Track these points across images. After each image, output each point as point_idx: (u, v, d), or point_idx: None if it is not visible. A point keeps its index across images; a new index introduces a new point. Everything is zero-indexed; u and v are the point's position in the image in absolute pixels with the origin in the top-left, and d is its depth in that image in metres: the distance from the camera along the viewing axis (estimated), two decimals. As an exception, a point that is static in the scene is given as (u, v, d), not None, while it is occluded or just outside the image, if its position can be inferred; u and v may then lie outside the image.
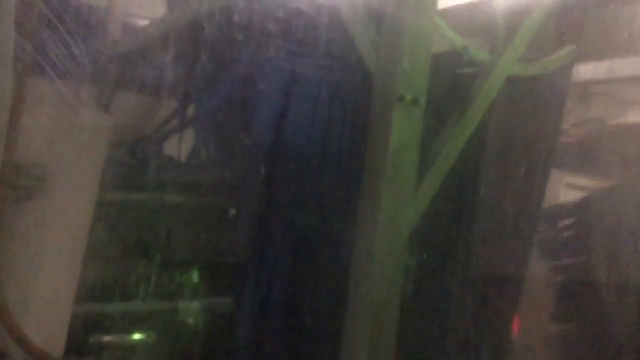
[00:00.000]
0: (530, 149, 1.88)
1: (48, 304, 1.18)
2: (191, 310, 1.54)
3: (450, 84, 1.70)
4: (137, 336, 1.44)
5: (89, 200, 1.22)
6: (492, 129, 1.78)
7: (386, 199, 1.55)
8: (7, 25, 1.08)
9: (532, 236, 2.00)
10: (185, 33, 1.60)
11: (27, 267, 1.16)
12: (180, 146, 1.64)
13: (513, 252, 1.97)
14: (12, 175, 1.13)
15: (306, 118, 1.60)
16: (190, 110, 1.69)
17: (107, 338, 1.36)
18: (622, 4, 1.96)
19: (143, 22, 1.74)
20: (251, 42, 1.54)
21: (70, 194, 1.19)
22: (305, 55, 1.59)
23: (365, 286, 1.58)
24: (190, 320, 1.54)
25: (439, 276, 1.89)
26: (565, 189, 2.42)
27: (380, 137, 1.56)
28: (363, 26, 1.62)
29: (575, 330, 2.10)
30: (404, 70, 1.54)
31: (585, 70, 2.24)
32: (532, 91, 1.87)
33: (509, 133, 1.87)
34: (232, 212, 1.57)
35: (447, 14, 1.71)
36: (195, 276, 1.54)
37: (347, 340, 1.60)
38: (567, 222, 2.28)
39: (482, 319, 1.91)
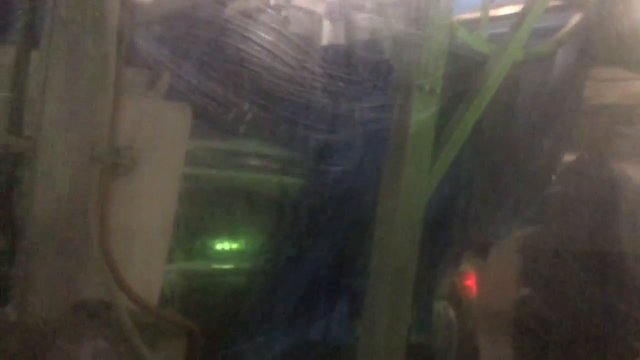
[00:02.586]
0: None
1: (145, 260, 1.41)
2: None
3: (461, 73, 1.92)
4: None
5: (175, 176, 1.45)
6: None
7: (406, 175, 1.77)
8: (112, 24, 1.29)
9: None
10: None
11: (126, 233, 1.38)
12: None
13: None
14: (113, 156, 1.35)
15: None
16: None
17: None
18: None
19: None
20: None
21: (158, 172, 1.42)
22: None
23: (387, 252, 1.81)
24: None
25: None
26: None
27: (402, 122, 1.79)
28: (387, 27, 1.85)
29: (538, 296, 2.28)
30: (422, 64, 1.78)
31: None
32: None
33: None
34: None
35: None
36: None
37: (370, 298, 1.82)
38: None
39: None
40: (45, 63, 1.32)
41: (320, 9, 1.93)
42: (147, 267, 1.42)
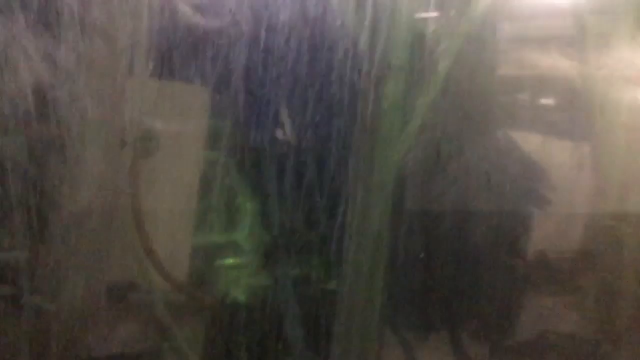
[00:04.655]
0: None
1: (172, 241, 1.43)
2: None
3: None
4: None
5: (197, 158, 1.47)
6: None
7: (378, 146, 1.90)
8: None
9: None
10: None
11: (153, 215, 1.39)
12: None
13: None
14: (141, 140, 1.36)
15: None
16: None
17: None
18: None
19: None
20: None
21: (179, 154, 1.44)
22: None
23: (361, 217, 1.92)
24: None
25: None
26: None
27: (374, 96, 1.90)
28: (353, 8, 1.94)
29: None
30: (391, 42, 1.89)
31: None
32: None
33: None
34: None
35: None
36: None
37: (346, 267, 1.93)
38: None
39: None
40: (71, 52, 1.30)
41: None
42: (174, 246, 1.45)
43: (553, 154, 2.66)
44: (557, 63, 2.70)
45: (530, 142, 2.60)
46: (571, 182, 2.71)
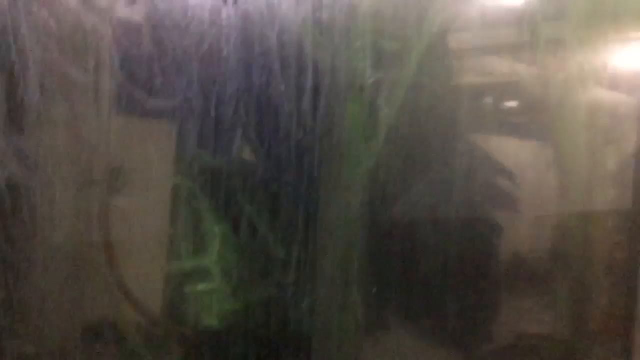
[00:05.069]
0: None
1: (144, 273, 1.46)
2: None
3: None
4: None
5: (165, 190, 1.50)
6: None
7: (345, 163, 1.95)
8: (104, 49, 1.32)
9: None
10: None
11: (125, 249, 1.42)
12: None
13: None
14: (110, 178, 1.39)
15: None
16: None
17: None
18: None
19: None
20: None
21: (148, 188, 1.46)
22: None
23: (334, 232, 1.96)
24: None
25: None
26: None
27: (336, 119, 1.95)
28: (310, 31, 1.98)
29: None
30: (351, 64, 1.94)
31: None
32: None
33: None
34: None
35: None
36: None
37: (321, 281, 1.97)
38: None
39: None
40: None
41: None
42: (146, 279, 1.47)
43: (517, 157, 2.73)
44: (515, 69, 2.78)
45: (493, 146, 2.67)
46: (536, 184, 2.78)
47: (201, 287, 1.70)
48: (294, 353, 1.93)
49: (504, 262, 2.67)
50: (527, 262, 2.76)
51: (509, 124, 2.87)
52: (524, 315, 2.68)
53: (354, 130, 1.96)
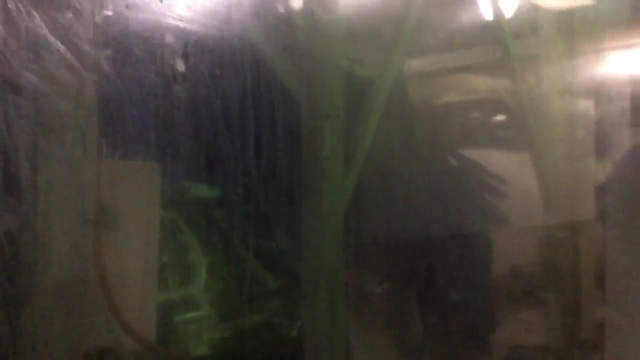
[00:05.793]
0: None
1: (138, 305, 1.54)
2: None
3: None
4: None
5: (154, 224, 1.60)
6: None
7: (325, 190, 2.01)
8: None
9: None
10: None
11: (118, 282, 1.51)
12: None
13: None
14: (102, 217, 1.49)
15: None
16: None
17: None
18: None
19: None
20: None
21: (138, 225, 1.56)
22: None
23: (317, 256, 2.03)
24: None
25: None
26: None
27: (314, 147, 2.02)
28: (285, 61, 2.05)
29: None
30: (328, 93, 2.01)
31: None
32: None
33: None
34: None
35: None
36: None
37: (307, 304, 2.04)
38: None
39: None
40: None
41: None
42: (140, 309, 1.56)
43: (501, 169, 2.81)
44: (492, 86, 2.87)
45: (477, 160, 2.75)
46: (519, 194, 2.86)
47: (189, 315, 1.78)
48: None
49: (497, 274, 2.74)
50: (518, 273, 2.84)
51: (490, 137, 2.96)
52: (518, 324, 2.76)
53: (332, 157, 2.02)
